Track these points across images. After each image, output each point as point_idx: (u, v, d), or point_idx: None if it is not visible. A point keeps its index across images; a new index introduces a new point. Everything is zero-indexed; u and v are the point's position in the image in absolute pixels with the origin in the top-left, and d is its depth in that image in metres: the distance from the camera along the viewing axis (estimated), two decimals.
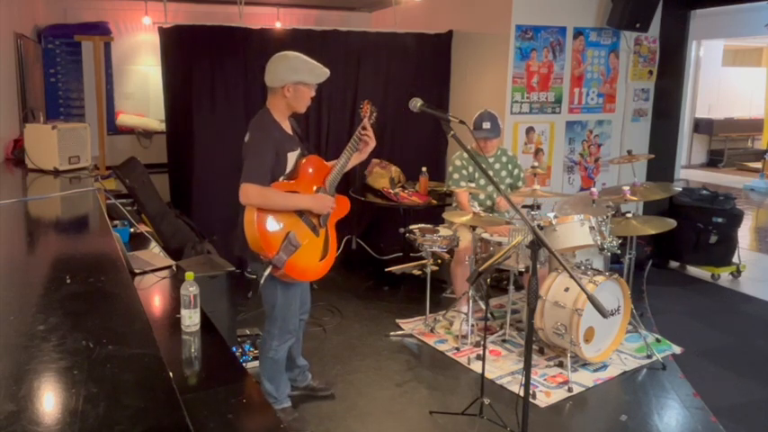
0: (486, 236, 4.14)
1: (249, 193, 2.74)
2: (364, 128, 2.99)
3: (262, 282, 2.85)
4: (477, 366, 3.63)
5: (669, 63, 5.93)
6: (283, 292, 2.98)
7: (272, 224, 2.78)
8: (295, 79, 2.85)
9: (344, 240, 5.83)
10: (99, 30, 6.54)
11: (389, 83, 5.81)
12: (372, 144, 3.04)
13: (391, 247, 5.81)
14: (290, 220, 2.85)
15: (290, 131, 2.99)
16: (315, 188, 2.99)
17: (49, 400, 1.29)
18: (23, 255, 2.38)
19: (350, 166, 3.11)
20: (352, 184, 5.52)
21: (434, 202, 5.18)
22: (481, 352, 3.37)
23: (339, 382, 3.60)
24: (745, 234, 7.05)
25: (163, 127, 6.18)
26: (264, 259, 2.78)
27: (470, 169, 4.51)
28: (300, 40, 5.41)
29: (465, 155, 4.51)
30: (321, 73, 2.91)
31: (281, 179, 2.87)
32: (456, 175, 4.52)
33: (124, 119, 7.04)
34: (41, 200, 3.22)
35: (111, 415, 1.21)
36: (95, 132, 4.79)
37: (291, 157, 2.92)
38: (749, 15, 8.27)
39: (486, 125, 4.37)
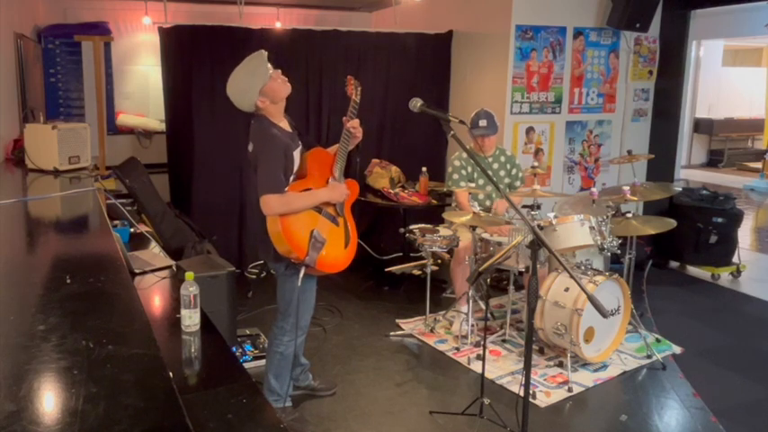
0: (486, 236, 4.14)
1: (271, 203, 2.79)
2: (348, 128, 3.01)
3: (299, 284, 2.90)
4: (477, 366, 3.63)
5: (669, 63, 5.93)
6: (302, 289, 3.02)
7: (296, 227, 2.84)
8: (258, 88, 2.82)
9: None
10: (99, 30, 6.55)
11: (389, 83, 5.81)
12: (360, 136, 3.05)
13: (391, 247, 5.81)
14: (310, 218, 2.91)
15: (289, 129, 3.01)
16: (326, 180, 3.04)
17: (49, 400, 1.28)
18: (23, 255, 2.38)
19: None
20: None
21: (434, 202, 5.18)
22: (481, 352, 3.37)
23: (339, 382, 3.60)
24: (745, 234, 7.05)
25: (163, 127, 6.18)
26: (296, 261, 2.85)
27: (469, 169, 4.52)
28: (300, 40, 5.41)
29: (464, 155, 4.52)
30: (262, 61, 2.84)
31: (291, 179, 2.92)
32: (455, 176, 4.52)
33: (124, 119, 7.04)
34: (41, 200, 3.22)
35: (111, 415, 1.21)
36: (95, 132, 4.80)
37: (297, 155, 2.96)
38: (749, 15, 8.26)
39: (483, 123, 4.38)
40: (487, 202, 4.57)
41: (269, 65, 2.85)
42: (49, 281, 1.99)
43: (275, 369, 3.18)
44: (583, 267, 3.84)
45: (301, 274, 2.88)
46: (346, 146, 3.05)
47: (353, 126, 3.00)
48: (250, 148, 2.91)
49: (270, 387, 3.17)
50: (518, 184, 4.59)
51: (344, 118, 3.03)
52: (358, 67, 5.68)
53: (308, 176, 2.96)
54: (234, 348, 3.70)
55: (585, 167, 5.87)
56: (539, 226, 3.68)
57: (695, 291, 5.33)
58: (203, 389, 2.10)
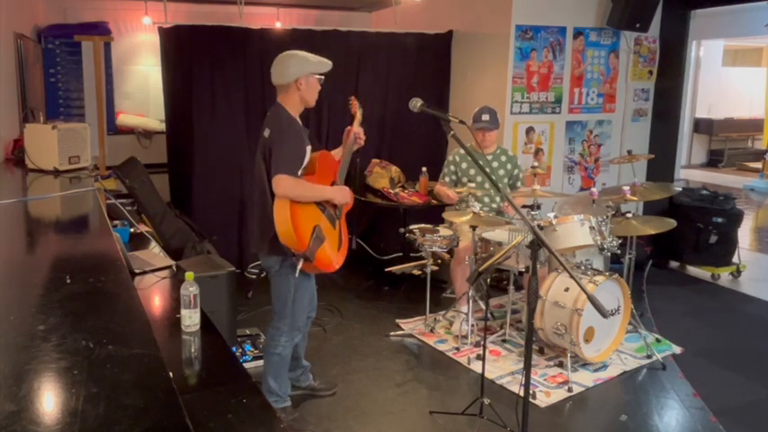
0: (486, 235, 4.14)
1: (285, 183, 2.79)
2: (356, 132, 3.16)
3: (296, 275, 2.89)
4: (477, 366, 3.63)
5: (669, 63, 5.93)
6: (297, 288, 3.03)
7: (302, 218, 2.85)
8: (306, 71, 2.95)
9: None
10: (99, 30, 6.54)
11: (389, 83, 5.81)
12: (362, 142, 3.20)
13: (391, 247, 5.81)
14: (315, 213, 2.94)
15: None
16: (330, 183, 3.10)
17: (49, 400, 1.28)
18: (23, 255, 2.38)
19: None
20: (352, 184, 5.52)
21: (434, 202, 5.17)
22: (481, 352, 3.37)
23: (339, 382, 3.60)
24: (745, 234, 7.05)
25: (163, 127, 6.17)
26: (297, 252, 2.83)
27: (464, 166, 4.53)
28: (300, 40, 5.40)
29: (460, 152, 4.54)
30: (326, 63, 3.05)
31: (299, 174, 2.93)
32: (444, 170, 4.62)
33: (124, 119, 7.04)
34: (41, 200, 3.22)
35: (111, 415, 1.21)
36: (95, 132, 4.79)
37: (308, 151, 3.00)
38: (749, 15, 8.26)
39: (486, 117, 4.43)
40: (486, 199, 4.56)
41: (324, 74, 3.02)
42: (49, 281, 1.98)
43: (274, 370, 3.17)
44: (583, 267, 3.84)
45: (299, 266, 2.85)
46: (350, 152, 3.14)
47: (358, 133, 3.13)
48: (266, 133, 2.93)
49: (269, 389, 3.16)
50: (519, 185, 4.59)
51: (348, 127, 3.12)
52: (358, 67, 5.68)
53: (316, 175, 3.00)
54: (234, 348, 3.70)
55: (585, 167, 5.87)
56: (539, 226, 3.68)
57: (695, 291, 5.33)
58: (203, 389, 2.10)
